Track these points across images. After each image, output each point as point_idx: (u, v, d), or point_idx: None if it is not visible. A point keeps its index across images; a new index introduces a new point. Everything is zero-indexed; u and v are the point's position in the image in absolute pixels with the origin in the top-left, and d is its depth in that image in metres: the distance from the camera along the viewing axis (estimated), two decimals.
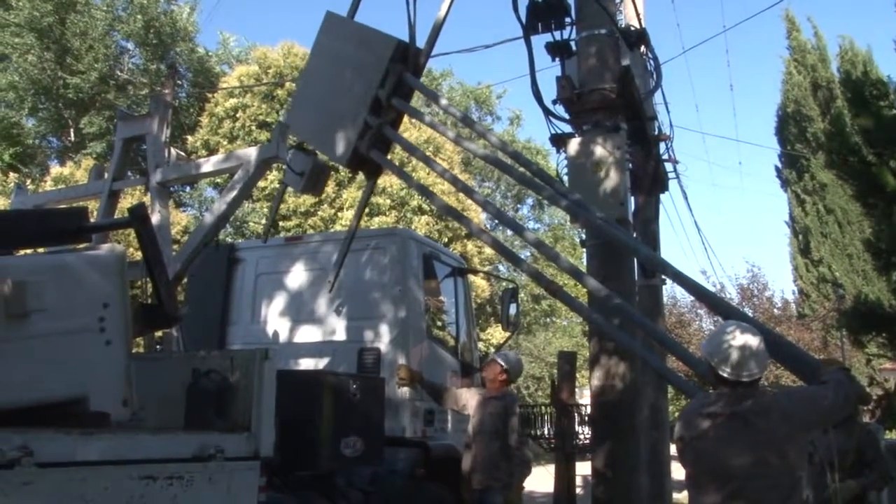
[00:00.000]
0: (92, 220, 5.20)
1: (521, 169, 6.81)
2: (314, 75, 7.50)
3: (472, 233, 8.08)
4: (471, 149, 7.61)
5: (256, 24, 52.46)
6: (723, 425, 3.54)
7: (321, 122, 7.00)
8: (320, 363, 7.35)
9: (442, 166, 7.83)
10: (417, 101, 21.91)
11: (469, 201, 19.46)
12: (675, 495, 10.73)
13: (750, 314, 23.88)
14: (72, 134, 26.26)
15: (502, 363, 6.81)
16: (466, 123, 7.71)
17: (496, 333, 22.70)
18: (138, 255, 4.93)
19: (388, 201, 20.88)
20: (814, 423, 3.69)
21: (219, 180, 21.50)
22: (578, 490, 7.47)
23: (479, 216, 22.93)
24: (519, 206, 37.12)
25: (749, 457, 3.45)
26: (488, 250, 24.40)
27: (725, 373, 3.55)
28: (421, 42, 6.82)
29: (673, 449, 10.57)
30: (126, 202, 8.44)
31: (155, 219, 5.82)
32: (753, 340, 3.60)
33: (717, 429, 3.55)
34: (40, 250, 4.76)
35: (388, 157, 7.30)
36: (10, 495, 2.97)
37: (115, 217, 7.00)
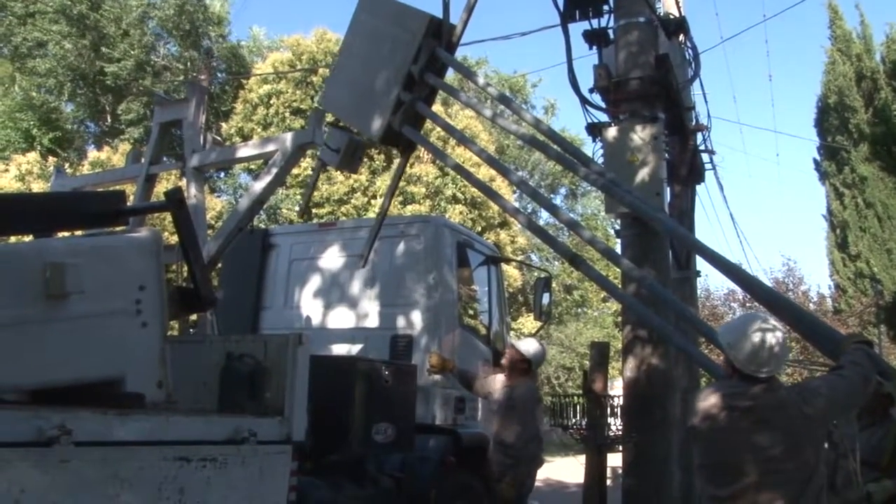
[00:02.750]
0: (129, 203, 5.25)
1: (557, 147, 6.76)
2: (350, 52, 7.48)
3: (507, 211, 8.02)
4: (506, 126, 7.55)
5: (287, 14, 52.58)
6: (737, 419, 3.45)
7: (356, 98, 6.99)
8: (352, 349, 7.37)
9: (479, 146, 7.82)
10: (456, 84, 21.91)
11: (502, 191, 19.43)
12: None
13: None
14: (108, 119, 26.56)
15: (522, 350, 6.61)
16: (503, 102, 7.61)
17: (527, 323, 22.65)
18: (173, 240, 4.98)
19: (423, 190, 20.87)
20: (831, 415, 3.60)
21: (252, 166, 21.68)
22: (608, 482, 7.40)
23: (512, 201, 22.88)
24: (552, 195, 36.98)
25: (762, 453, 3.37)
26: (521, 240, 24.37)
27: (742, 366, 3.48)
28: (455, 19, 6.77)
29: None
30: (160, 187, 8.52)
31: (190, 203, 5.86)
32: (774, 338, 3.47)
33: (730, 422, 3.47)
34: (78, 233, 4.82)
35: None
36: (49, 473, 3.00)
37: (152, 201, 7.07)
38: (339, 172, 21.66)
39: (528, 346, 6.67)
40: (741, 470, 3.38)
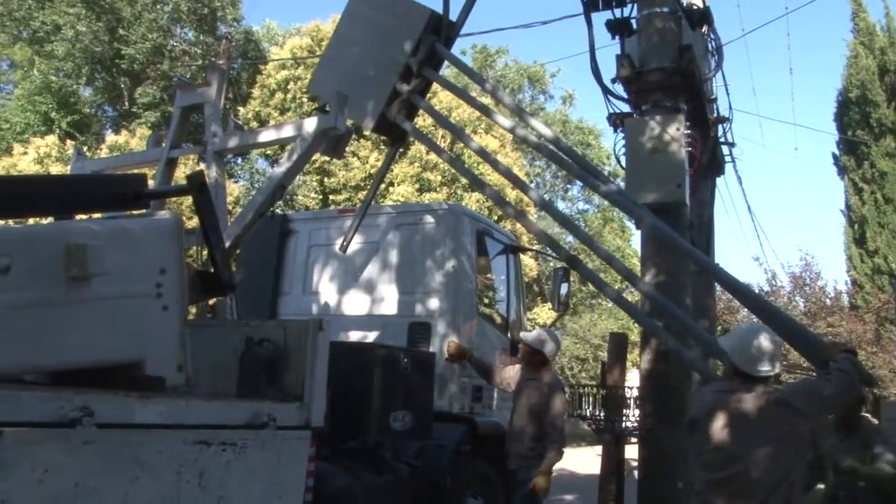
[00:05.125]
0: (149, 186, 5.24)
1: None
2: (343, 40, 7.50)
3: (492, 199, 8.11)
4: (499, 122, 7.53)
5: (297, 3, 52.48)
6: (734, 412, 3.89)
7: (348, 86, 6.99)
8: (370, 336, 7.37)
9: (477, 143, 7.89)
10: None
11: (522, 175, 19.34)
12: None
13: (801, 304, 23.53)
14: (126, 103, 26.63)
15: (529, 341, 6.45)
16: (518, 113, 7.65)
17: (542, 313, 22.65)
18: (192, 224, 4.97)
19: (440, 178, 20.84)
20: (815, 415, 4.04)
21: (269, 152, 21.70)
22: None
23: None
24: (569, 185, 36.87)
25: (755, 442, 3.80)
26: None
27: (742, 366, 3.95)
28: (454, 15, 6.92)
29: None
30: (179, 171, 8.53)
31: (211, 187, 5.85)
32: (769, 342, 3.98)
33: (728, 414, 3.90)
34: (97, 216, 4.82)
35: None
36: (72, 454, 3.01)
37: (172, 184, 7.07)
38: (356, 159, 21.69)
39: (537, 338, 6.50)
40: (734, 457, 3.84)
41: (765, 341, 3.97)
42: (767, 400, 3.86)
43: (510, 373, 6.69)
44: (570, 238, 28.95)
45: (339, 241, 7.89)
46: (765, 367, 3.92)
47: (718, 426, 3.90)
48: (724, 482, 3.85)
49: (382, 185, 20.61)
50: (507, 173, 7.50)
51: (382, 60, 6.94)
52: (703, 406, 4.08)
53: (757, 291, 23.96)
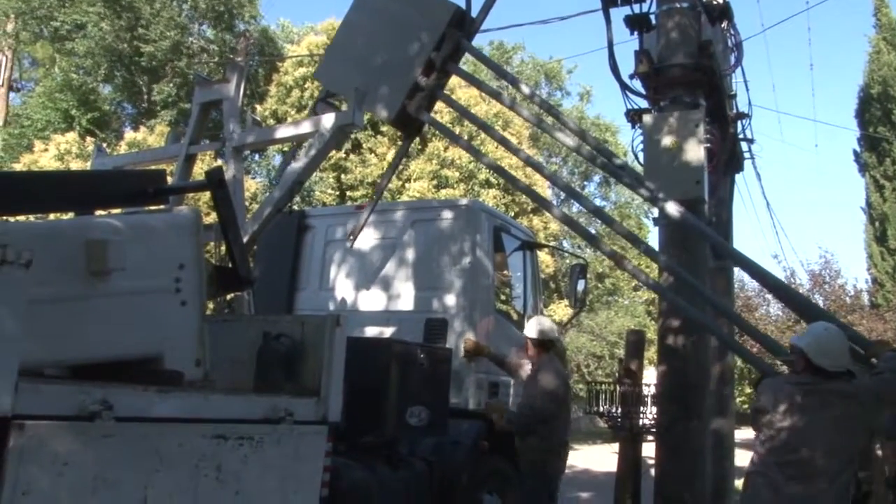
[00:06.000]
0: (169, 182, 5.27)
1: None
2: (355, 30, 7.39)
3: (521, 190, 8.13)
4: (523, 114, 7.54)
5: (312, 2, 52.59)
6: (804, 403, 4.27)
7: (361, 77, 6.98)
8: (386, 332, 7.37)
9: (501, 134, 7.87)
10: (487, 74, 21.76)
11: (536, 177, 19.32)
12: (737, 482, 10.57)
13: (821, 302, 23.36)
14: (145, 100, 26.78)
15: (525, 333, 6.63)
16: (546, 109, 7.60)
17: (559, 309, 22.58)
18: (210, 220, 4.99)
19: (457, 174, 20.83)
20: (875, 412, 4.42)
21: (285, 148, 21.76)
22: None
23: (545, 192, 22.73)
24: (586, 182, 36.76)
25: (821, 434, 4.19)
26: (553, 226, 24.22)
27: (822, 364, 4.28)
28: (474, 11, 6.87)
29: (737, 435, 10.35)
30: (197, 167, 8.56)
31: (229, 183, 5.86)
32: (844, 342, 4.45)
33: (800, 405, 4.27)
34: (116, 211, 4.85)
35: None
36: (91, 447, 3.04)
37: (191, 180, 7.09)
38: (373, 155, 21.72)
39: (527, 326, 6.68)
40: (804, 443, 4.21)
41: (840, 341, 4.45)
42: (839, 394, 4.26)
43: (526, 366, 6.71)
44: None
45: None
46: (843, 363, 4.36)
47: (791, 415, 4.27)
48: (792, 464, 4.21)
49: (399, 182, 20.64)
50: (528, 191, 7.53)
51: (403, 53, 6.88)
52: (775, 396, 4.41)
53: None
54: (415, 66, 6.74)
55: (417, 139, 21.01)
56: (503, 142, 7.55)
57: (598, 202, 35.96)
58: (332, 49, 7.67)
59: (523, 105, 7.68)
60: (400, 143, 20.71)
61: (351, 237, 7.37)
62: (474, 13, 6.88)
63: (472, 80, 7.56)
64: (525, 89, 7.47)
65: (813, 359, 4.32)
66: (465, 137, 19.41)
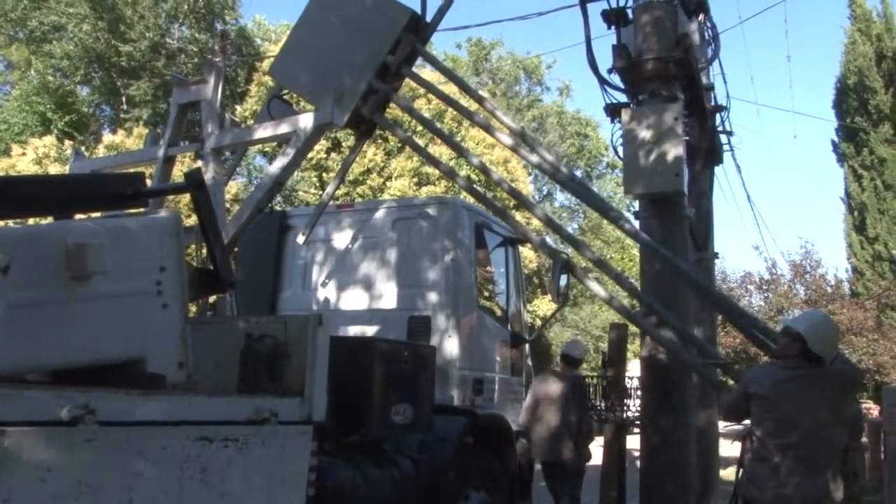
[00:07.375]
0: (148, 185, 5.24)
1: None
2: (311, 28, 7.38)
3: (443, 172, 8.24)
4: (526, 158, 7.63)
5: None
6: (797, 385, 4.49)
7: (315, 76, 6.96)
8: (370, 330, 7.37)
9: (456, 141, 7.95)
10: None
11: (518, 173, 19.34)
12: (721, 472, 10.65)
13: (802, 292, 23.53)
14: (123, 102, 26.59)
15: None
16: (523, 139, 7.66)
17: (542, 305, 22.62)
18: (190, 222, 4.97)
19: (438, 172, 20.80)
20: (854, 394, 5.09)
21: (267, 149, 21.68)
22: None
23: (527, 188, 22.74)
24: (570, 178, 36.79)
25: (820, 415, 4.43)
26: (535, 222, 24.25)
27: (817, 350, 4.49)
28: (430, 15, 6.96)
29: (721, 426, 10.42)
30: (177, 169, 8.51)
31: (209, 184, 5.85)
32: (838, 330, 5.04)
33: (794, 388, 4.49)
34: (96, 215, 4.82)
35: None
36: (74, 451, 3.03)
37: (171, 182, 7.07)
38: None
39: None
40: (804, 424, 4.40)
41: (836, 330, 4.86)
42: (829, 378, 4.54)
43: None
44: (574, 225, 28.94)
45: (337, 237, 7.89)
46: (830, 352, 4.61)
47: (789, 399, 4.47)
48: (794, 445, 4.39)
49: (380, 180, 20.60)
50: (512, 191, 7.54)
51: (357, 55, 6.91)
52: (769, 381, 4.59)
53: (757, 279, 24.13)
54: (370, 70, 6.79)
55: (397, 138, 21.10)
56: (486, 128, 7.54)
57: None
58: (288, 45, 7.63)
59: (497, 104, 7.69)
60: (381, 139, 20.77)
61: (305, 239, 7.36)
62: (430, 17, 6.90)
63: (429, 86, 7.58)
64: (482, 95, 7.55)
65: (811, 345, 4.50)
66: (446, 132, 19.45)
